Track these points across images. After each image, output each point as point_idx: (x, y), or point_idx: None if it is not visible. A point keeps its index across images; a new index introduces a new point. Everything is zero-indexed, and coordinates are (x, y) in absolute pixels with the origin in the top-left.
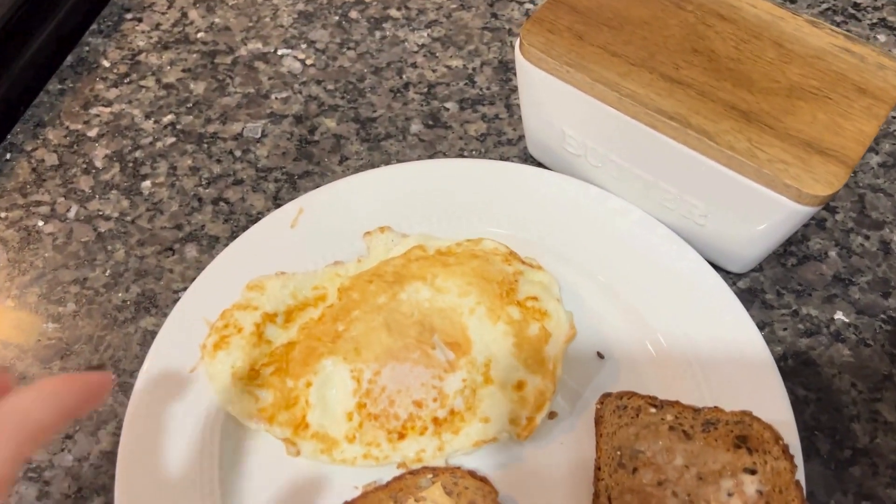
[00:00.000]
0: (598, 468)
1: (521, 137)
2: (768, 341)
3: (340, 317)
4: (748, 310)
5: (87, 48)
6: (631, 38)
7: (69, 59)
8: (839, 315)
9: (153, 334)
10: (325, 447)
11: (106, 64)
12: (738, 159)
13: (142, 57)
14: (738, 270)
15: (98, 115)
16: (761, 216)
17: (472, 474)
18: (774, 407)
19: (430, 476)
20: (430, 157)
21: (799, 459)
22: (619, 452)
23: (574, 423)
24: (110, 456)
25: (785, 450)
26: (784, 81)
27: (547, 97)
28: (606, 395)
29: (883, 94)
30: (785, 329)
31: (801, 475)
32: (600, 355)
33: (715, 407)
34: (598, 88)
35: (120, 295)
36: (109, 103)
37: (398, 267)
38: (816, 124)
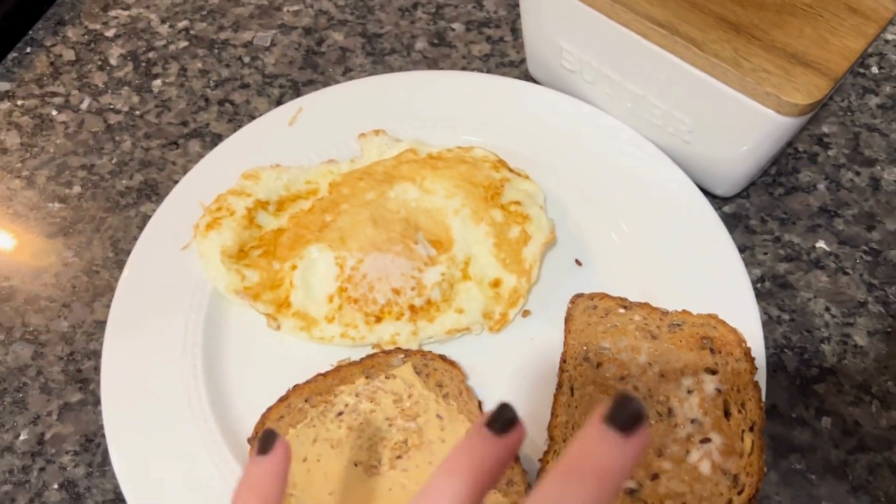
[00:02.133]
0: (563, 361)
1: (524, 61)
2: (748, 264)
3: (329, 209)
4: (731, 233)
5: None
6: None
7: None
8: (821, 244)
9: None
10: (305, 325)
11: None
12: (723, 67)
13: None
14: (724, 193)
15: (116, 17)
16: (743, 129)
17: (443, 358)
18: (744, 317)
19: (401, 356)
20: None
21: (762, 364)
22: (585, 348)
23: (547, 323)
24: (103, 325)
25: (747, 352)
26: None
27: (545, 8)
28: (578, 296)
29: (873, 14)
30: (765, 253)
31: (761, 379)
32: (578, 262)
33: (683, 310)
34: None
35: (124, 182)
36: (128, 7)
37: (389, 167)
38: (803, 38)
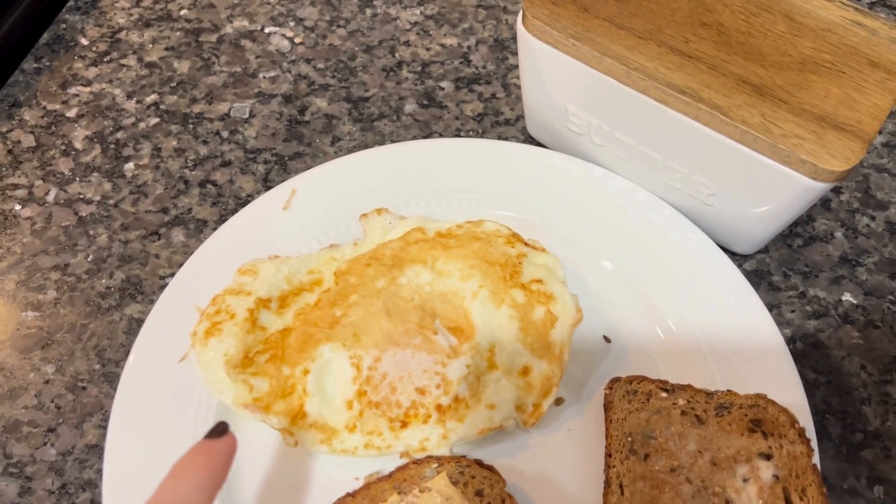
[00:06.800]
0: (608, 455)
1: (520, 118)
2: (776, 324)
3: (338, 301)
4: (756, 292)
5: (63, 25)
6: (637, 10)
7: (45, 36)
8: (847, 297)
9: (139, 322)
10: (325, 437)
11: (84, 42)
12: (752, 134)
13: (122, 35)
14: (744, 251)
15: (77, 95)
16: (774, 194)
17: (479, 463)
18: (787, 390)
19: (434, 465)
20: (426, 137)
21: (814, 443)
22: (629, 438)
23: (582, 409)
24: (96, 450)
25: (801, 433)
26: (796, 55)
27: (550, 72)
28: (615, 380)
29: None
30: (793, 311)
31: (816, 459)
32: (607, 339)
33: (728, 390)
34: (605, 62)
35: (103, 281)
36: (89, 83)
37: (397, 250)
38: (830, 98)
